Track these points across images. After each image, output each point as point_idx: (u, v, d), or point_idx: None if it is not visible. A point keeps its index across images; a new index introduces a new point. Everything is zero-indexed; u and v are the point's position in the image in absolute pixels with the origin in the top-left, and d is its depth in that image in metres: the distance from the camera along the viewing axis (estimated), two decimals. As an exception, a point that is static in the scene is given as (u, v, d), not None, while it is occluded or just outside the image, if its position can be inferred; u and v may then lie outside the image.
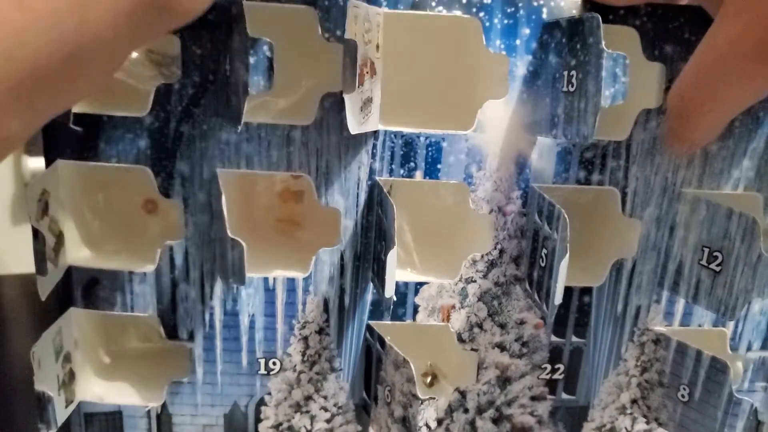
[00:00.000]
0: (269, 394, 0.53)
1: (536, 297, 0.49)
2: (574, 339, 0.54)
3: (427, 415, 0.52)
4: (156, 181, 0.48)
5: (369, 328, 0.52)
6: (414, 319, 0.52)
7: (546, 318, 0.51)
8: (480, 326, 0.52)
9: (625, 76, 0.47)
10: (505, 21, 0.46)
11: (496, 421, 0.55)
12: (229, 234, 0.46)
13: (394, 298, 0.49)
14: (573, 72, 0.46)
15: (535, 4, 0.46)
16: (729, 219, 0.47)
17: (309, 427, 0.54)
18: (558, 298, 0.44)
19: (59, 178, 0.48)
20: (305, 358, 0.52)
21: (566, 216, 0.42)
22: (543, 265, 0.47)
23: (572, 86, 0.47)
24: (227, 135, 0.47)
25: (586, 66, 0.45)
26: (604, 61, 0.40)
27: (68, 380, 0.51)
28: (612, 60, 0.45)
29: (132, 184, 0.53)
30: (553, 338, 0.54)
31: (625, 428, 0.57)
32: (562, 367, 0.55)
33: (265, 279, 0.50)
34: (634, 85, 0.47)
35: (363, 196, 0.49)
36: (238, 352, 0.52)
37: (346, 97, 0.41)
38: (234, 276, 0.48)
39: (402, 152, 0.48)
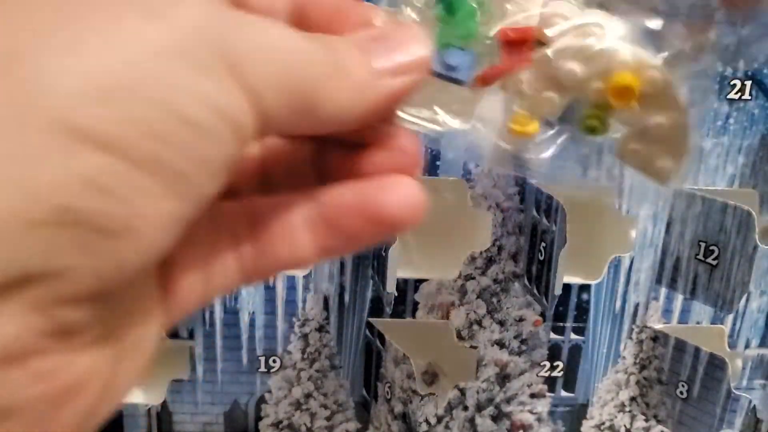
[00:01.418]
0: (269, 391, 0.53)
1: (535, 291, 0.50)
2: (573, 336, 0.54)
3: (427, 411, 0.53)
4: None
5: (369, 326, 0.53)
6: (413, 316, 0.52)
7: (545, 312, 0.51)
8: (479, 323, 0.53)
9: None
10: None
11: (495, 419, 0.55)
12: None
13: (395, 294, 0.49)
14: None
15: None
16: (724, 213, 0.47)
17: (309, 425, 0.54)
18: (558, 288, 0.44)
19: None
20: (305, 356, 0.52)
21: (564, 207, 0.43)
22: (542, 258, 0.47)
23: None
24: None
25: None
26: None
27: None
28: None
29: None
30: (552, 336, 0.54)
31: (624, 426, 0.57)
32: (561, 364, 0.55)
33: (265, 277, 0.50)
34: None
35: (362, 194, 0.49)
36: (238, 350, 0.52)
37: None
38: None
39: (401, 149, 0.48)
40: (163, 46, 0.16)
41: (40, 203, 0.14)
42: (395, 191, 0.20)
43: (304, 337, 0.52)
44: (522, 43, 0.23)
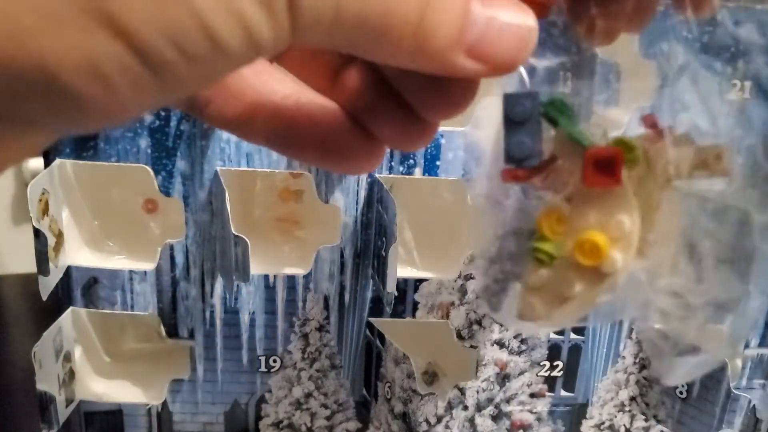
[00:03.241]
0: (270, 391, 0.53)
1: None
2: (573, 336, 0.54)
3: (427, 411, 0.53)
4: (156, 179, 0.48)
5: (369, 325, 0.53)
6: (413, 316, 0.52)
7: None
8: (479, 323, 0.53)
9: (617, 82, 0.47)
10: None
11: (495, 418, 0.55)
12: (233, 231, 0.47)
13: (395, 293, 0.49)
14: (568, 73, 0.47)
15: None
16: (723, 213, 0.47)
17: (309, 425, 0.54)
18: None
19: (58, 178, 0.49)
20: (306, 356, 0.52)
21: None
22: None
23: (567, 87, 0.47)
24: (227, 133, 0.48)
25: (580, 69, 0.46)
26: (597, 67, 0.41)
27: (68, 379, 0.51)
28: (606, 65, 0.46)
29: (132, 183, 0.53)
30: (552, 335, 0.54)
31: (624, 425, 0.57)
32: (560, 364, 0.55)
33: (266, 277, 0.50)
34: (629, 82, 0.47)
35: (363, 194, 0.49)
36: (238, 350, 0.52)
37: None
38: (238, 273, 0.49)
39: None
40: None
41: (21, 58, 0.14)
42: None
43: (305, 336, 0.52)
44: (610, 163, 0.21)
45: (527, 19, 0.19)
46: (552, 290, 0.22)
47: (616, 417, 0.57)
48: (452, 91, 0.20)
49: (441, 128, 0.48)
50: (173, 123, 0.47)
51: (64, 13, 0.14)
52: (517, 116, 0.22)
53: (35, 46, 0.15)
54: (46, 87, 0.15)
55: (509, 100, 0.22)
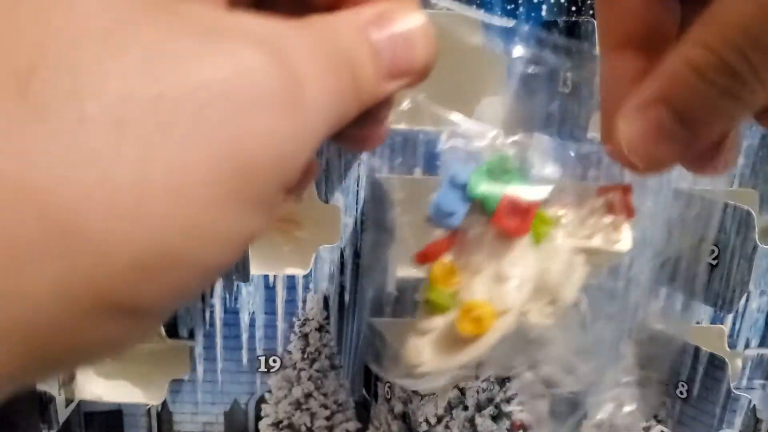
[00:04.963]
0: (269, 391, 0.53)
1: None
2: (573, 336, 0.54)
3: (427, 411, 0.52)
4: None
5: (369, 325, 0.53)
6: (413, 316, 0.52)
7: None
8: (479, 323, 0.53)
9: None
10: (505, 17, 0.47)
11: (495, 419, 0.55)
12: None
13: (396, 293, 0.49)
14: (569, 73, 0.47)
15: (535, 1, 0.47)
16: (724, 213, 0.47)
17: (309, 425, 0.54)
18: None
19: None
20: (305, 356, 0.52)
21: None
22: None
23: (567, 88, 0.47)
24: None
25: (581, 70, 0.46)
26: (598, 67, 0.41)
27: (68, 379, 0.51)
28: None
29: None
30: (552, 335, 0.54)
31: (624, 426, 0.57)
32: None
33: (266, 277, 0.50)
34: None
35: (362, 193, 0.49)
36: (238, 350, 0.52)
37: None
38: (237, 273, 0.49)
39: (401, 149, 0.48)
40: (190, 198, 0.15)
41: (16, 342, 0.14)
42: None
43: (304, 336, 0.52)
44: (524, 211, 0.22)
45: (416, 17, 0.20)
46: (440, 337, 0.24)
47: (616, 417, 0.57)
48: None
49: (442, 128, 0.48)
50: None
51: (76, 306, 0.15)
52: (460, 181, 0.24)
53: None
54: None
55: (461, 169, 0.24)
